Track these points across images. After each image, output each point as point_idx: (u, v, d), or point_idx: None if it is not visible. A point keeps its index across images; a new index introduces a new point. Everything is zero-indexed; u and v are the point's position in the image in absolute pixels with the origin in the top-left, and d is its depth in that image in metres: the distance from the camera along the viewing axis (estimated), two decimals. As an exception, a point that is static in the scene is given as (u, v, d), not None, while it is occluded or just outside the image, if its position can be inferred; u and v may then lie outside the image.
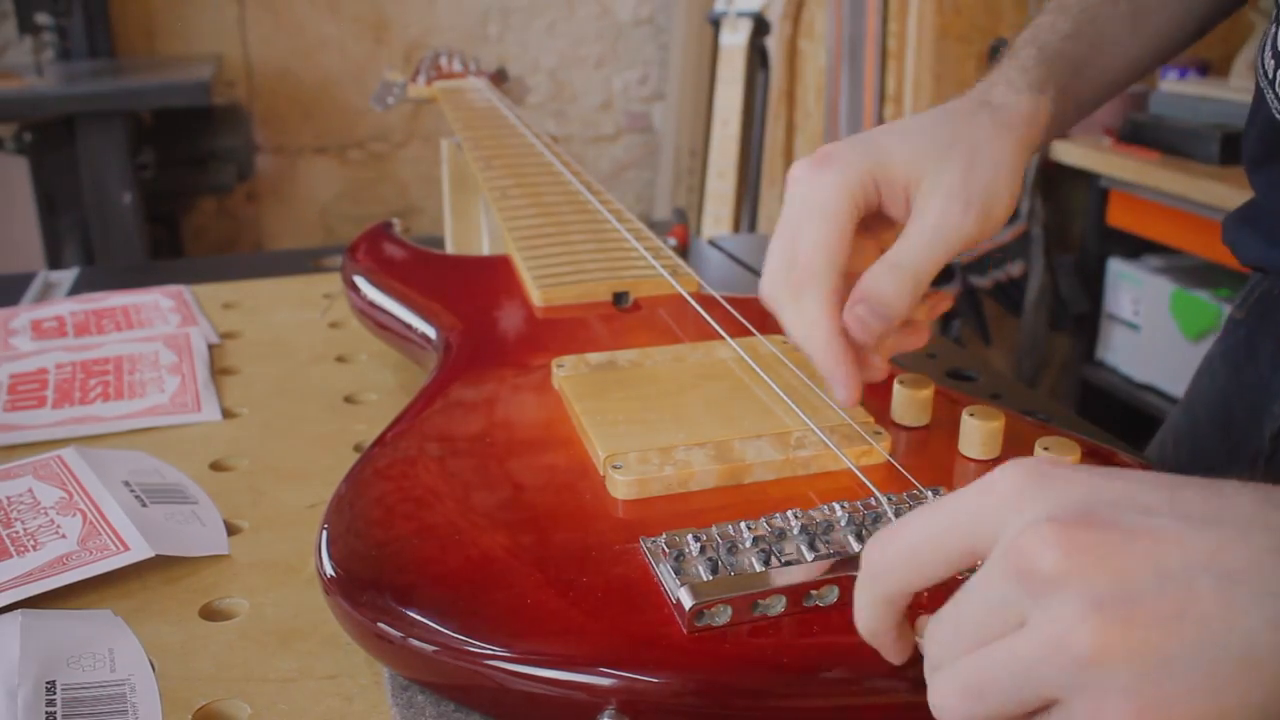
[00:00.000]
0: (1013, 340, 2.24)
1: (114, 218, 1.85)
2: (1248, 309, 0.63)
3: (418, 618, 0.35)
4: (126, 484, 0.49)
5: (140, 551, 0.44)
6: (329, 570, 0.38)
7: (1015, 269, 2.06)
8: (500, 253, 0.67)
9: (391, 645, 0.35)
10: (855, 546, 0.37)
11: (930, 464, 0.45)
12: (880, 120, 2.15)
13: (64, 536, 0.45)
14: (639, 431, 0.44)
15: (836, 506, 0.39)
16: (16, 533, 0.46)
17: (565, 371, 0.50)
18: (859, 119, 2.17)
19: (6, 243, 2.09)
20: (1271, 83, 0.53)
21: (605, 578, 0.37)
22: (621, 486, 0.41)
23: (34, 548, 0.45)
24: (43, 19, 1.98)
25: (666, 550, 0.37)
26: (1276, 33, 0.53)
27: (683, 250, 0.84)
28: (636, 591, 0.36)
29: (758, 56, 2.19)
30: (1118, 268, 1.99)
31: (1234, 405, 0.62)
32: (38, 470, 0.51)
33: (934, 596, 0.31)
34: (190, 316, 0.74)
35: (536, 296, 0.59)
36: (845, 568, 0.36)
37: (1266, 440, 0.59)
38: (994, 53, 2.20)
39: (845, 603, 0.36)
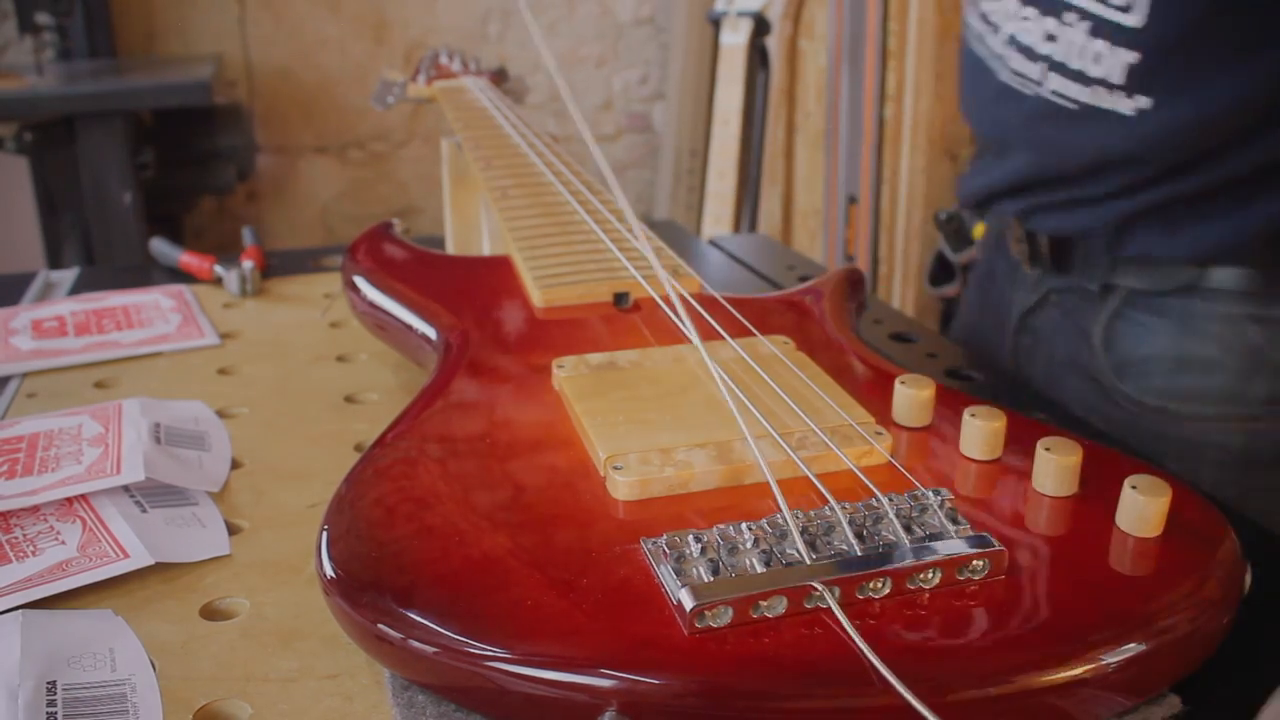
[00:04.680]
0: (1013, 340, 2.24)
1: (114, 218, 1.85)
2: (985, 245, 0.79)
3: (418, 619, 0.35)
4: (127, 489, 0.49)
5: (140, 559, 0.44)
6: (329, 571, 0.38)
7: (1015, 269, 2.06)
8: (500, 253, 0.66)
9: (392, 646, 0.35)
10: (857, 547, 0.37)
11: (931, 464, 0.45)
12: (880, 120, 2.15)
13: (63, 543, 0.45)
14: (639, 432, 0.44)
15: (837, 507, 0.38)
16: (16, 538, 0.46)
17: (566, 372, 0.50)
18: (859, 119, 2.17)
19: (6, 243, 2.09)
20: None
21: (606, 579, 0.37)
22: (622, 487, 0.41)
23: (33, 553, 0.45)
24: (43, 19, 1.98)
25: (667, 551, 0.37)
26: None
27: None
28: (637, 593, 0.36)
29: (758, 56, 2.19)
30: (1118, 268, 1.99)
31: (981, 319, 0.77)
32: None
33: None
34: (190, 316, 0.74)
35: (537, 297, 0.59)
36: (847, 569, 0.36)
37: (1011, 336, 0.74)
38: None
39: (847, 604, 0.36)
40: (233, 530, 0.48)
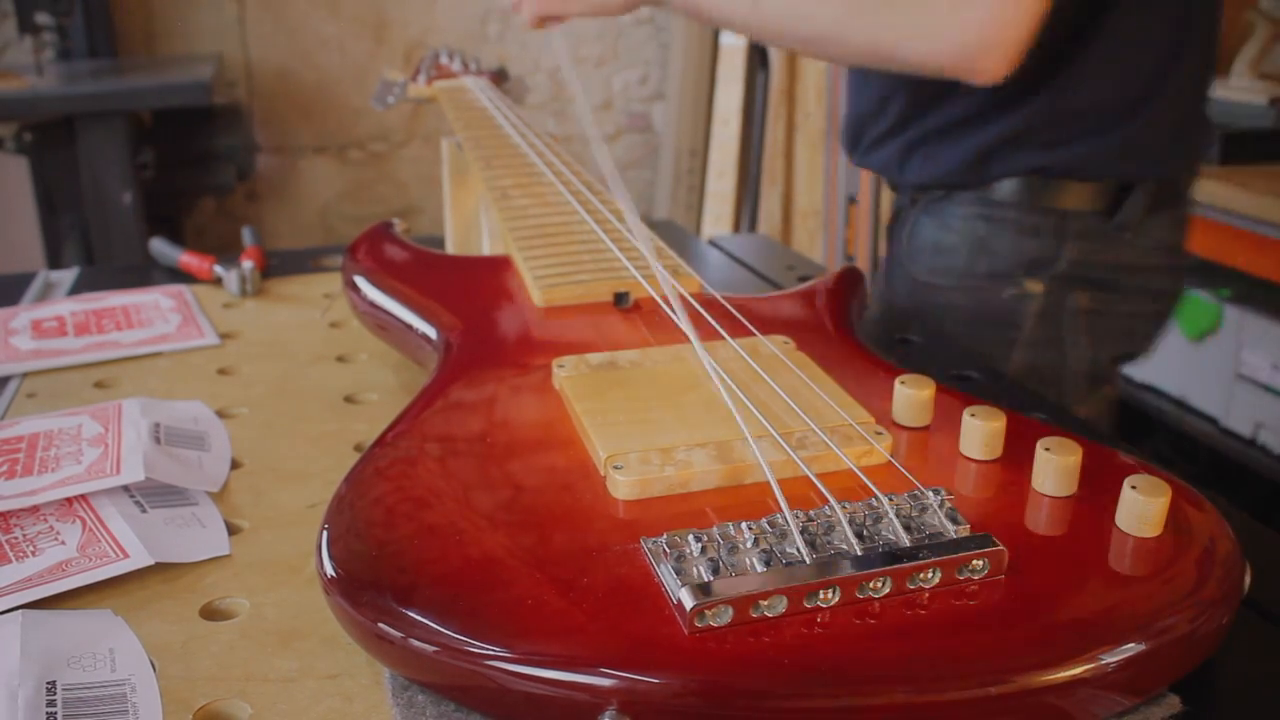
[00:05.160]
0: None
1: (114, 218, 1.85)
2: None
3: (418, 618, 0.35)
4: (127, 489, 0.49)
5: (140, 559, 0.44)
6: (329, 570, 0.38)
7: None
8: (500, 253, 0.67)
9: (392, 646, 0.35)
10: (857, 547, 0.37)
11: (931, 464, 0.45)
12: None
13: (63, 543, 0.45)
14: (640, 432, 0.44)
15: (837, 507, 0.39)
16: (15, 538, 0.46)
17: (566, 372, 0.50)
18: (859, 119, 2.17)
19: (6, 243, 2.09)
20: None
21: (606, 578, 0.37)
22: (622, 487, 0.41)
23: (33, 554, 0.44)
24: (43, 19, 1.98)
25: (667, 551, 0.37)
26: None
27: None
28: (637, 592, 0.36)
29: (758, 56, 2.20)
30: (1118, 268, 1.99)
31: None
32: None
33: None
34: (190, 316, 0.74)
35: (537, 296, 0.59)
36: (846, 568, 0.36)
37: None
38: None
39: (847, 603, 0.36)
40: (232, 530, 0.48)
